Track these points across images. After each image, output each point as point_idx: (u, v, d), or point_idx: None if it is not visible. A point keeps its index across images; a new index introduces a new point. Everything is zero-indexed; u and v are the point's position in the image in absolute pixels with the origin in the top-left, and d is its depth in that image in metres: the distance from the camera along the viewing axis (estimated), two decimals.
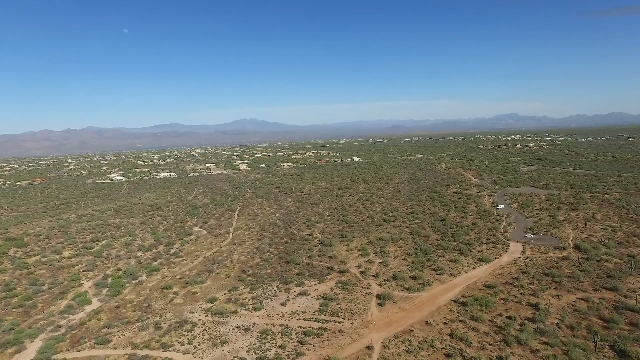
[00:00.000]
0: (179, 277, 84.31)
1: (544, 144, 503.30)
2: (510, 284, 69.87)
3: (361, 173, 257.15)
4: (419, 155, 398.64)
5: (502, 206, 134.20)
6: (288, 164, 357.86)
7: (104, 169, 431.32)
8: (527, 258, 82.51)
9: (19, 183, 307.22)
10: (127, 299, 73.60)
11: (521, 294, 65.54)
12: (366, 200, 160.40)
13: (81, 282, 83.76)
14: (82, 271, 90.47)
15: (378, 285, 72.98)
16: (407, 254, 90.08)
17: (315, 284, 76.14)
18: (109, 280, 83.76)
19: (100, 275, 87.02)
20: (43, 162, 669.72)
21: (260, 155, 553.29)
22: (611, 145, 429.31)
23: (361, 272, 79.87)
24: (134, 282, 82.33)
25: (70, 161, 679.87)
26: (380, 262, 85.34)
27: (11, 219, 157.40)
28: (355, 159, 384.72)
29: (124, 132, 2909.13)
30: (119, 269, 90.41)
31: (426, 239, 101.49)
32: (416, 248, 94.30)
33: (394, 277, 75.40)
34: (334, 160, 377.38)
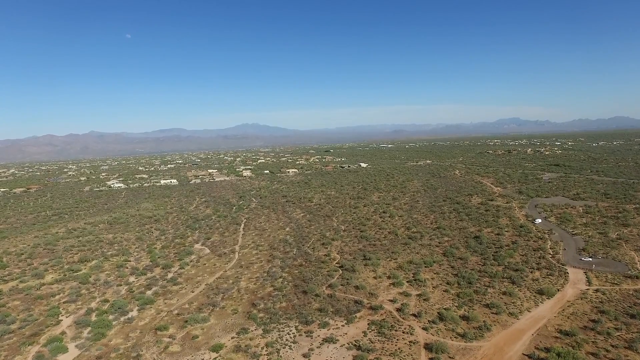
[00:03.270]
0: (176, 312, 70.32)
1: (555, 149, 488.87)
2: (592, 329, 55.63)
3: (372, 180, 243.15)
4: (429, 161, 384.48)
5: (540, 220, 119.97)
6: (293, 170, 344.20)
7: (103, 175, 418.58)
8: (597, 291, 68.24)
9: (13, 190, 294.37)
10: (112, 345, 59.59)
11: (612, 346, 51.30)
12: (383, 212, 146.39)
13: (59, 318, 69.84)
14: (63, 302, 76.61)
15: (423, 329, 58.78)
16: (448, 283, 75.88)
17: (342, 325, 62.05)
18: (93, 316, 69.85)
19: (83, 309, 73.08)
20: (43, 168, 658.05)
21: (263, 160, 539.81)
22: (627, 150, 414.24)
23: (398, 310, 65.71)
24: (122, 319, 68.35)
25: (70, 166, 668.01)
26: (418, 295, 71.17)
27: None
28: (363, 164, 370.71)
29: (126, 137, 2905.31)
30: (106, 300, 76.48)
31: (464, 263, 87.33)
32: (456, 274, 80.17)
33: (441, 318, 61.20)
34: (341, 166, 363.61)
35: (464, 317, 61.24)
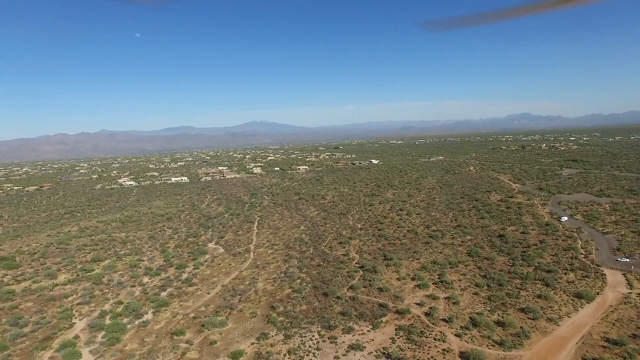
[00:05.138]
0: (192, 315, 67.52)
1: (571, 144, 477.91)
2: None
3: (385, 177, 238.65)
4: (441, 157, 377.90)
5: (566, 218, 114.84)
6: (304, 167, 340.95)
7: (114, 173, 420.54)
8: None
9: (26, 189, 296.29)
10: (127, 351, 56.98)
11: None
12: (400, 209, 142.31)
13: (72, 321, 67.57)
14: (76, 304, 74.41)
15: (456, 335, 55.00)
16: (477, 285, 71.84)
17: (368, 330, 58.55)
18: (107, 319, 67.41)
19: (96, 312, 70.74)
20: (55, 166, 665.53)
21: (273, 157, 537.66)
22: None
23: (426, 314, 61.95)
24: (137, 322, 65.79)
25: (82, 165, 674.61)
26: (446, 298, 67.32)
27: (9, 231, 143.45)
28: (374, 161, 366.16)
29: (136, 135, 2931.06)
30: (120, 302, 74.08)
31: (491, 263, 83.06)
32: (484, 276, 76.08)
33: (474, 324, 57.27)
34: (352, 163, 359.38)
35: (499, 323, 57.24)
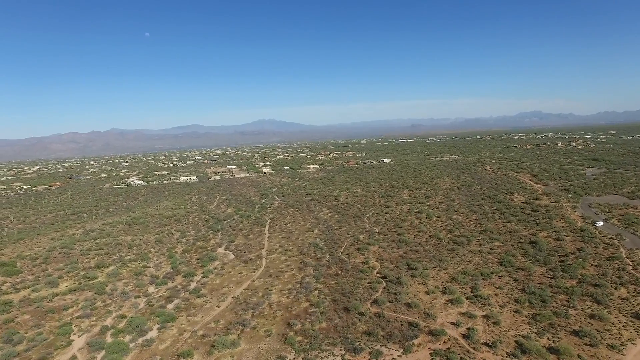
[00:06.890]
0: (201, 333, 61.16)
1: (588, 142, 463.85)
2: None
3: (399, 177, 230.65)
4: (454, 156, 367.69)
5: (602, 223, 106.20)
6: (314, 166, 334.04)
7: (123, 172, 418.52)
8: None
9: (35, 188, 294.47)
10: None
11: None
12: (418, 212, 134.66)
13: (71, 337, 61.75)
14: (76, 317, 68.67)
15: None
16: (517, 302, 64.25)
17: (399, 355, 51.57)
18: (108, 336, 61.45)
19: (97, 327, 64.82)
20: (66, 165, 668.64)
21: (282, 156, 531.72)
22: None
23: (464, 336, 54.68)
24: (140, 340, 59.67)
25: (92, 163, 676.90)
26: (484, 317, 59.92)
27: (13, 233, 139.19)
28: (386, 160, 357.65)
29: (145, 134, 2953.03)
30: (123, 316, 68.09)
31: (528, 275, 75.28)
32: (523, 290, 68.42)
33: (523, 350, 49.87)
34: (363, 162, 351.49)
35: (552, 350, 49.72)
